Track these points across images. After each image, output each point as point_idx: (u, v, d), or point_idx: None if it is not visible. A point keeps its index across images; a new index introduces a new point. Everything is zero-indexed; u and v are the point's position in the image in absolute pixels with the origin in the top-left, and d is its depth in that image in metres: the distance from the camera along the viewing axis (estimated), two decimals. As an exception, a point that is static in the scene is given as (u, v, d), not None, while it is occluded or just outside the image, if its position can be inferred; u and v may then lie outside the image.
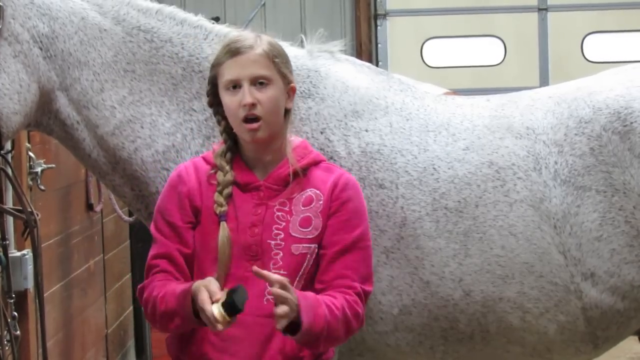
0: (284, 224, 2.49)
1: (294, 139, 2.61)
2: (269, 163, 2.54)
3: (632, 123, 2.78)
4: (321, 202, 2.51)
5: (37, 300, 3.09)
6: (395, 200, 2.76)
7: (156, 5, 2.86)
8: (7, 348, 2.95)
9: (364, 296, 2.51)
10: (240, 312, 2.32)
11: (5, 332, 2.95)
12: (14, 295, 3.02)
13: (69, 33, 2.73)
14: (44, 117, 2.76)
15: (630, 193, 2.76)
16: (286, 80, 2.54)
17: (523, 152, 2.81)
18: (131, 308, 5.68)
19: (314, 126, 2.78)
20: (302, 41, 2.93)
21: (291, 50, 2.74)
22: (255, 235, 2.48)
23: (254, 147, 2.53)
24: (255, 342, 2.48)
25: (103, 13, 2.78)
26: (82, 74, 2.74)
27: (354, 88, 2.86)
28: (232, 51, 2.49)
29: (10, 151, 3.10)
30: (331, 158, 2.74)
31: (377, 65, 7.41)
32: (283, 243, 2.47)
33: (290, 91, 2.56)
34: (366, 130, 2.81)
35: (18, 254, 3.39)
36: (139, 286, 2.56)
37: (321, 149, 2.74)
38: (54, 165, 3.79)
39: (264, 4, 8.29)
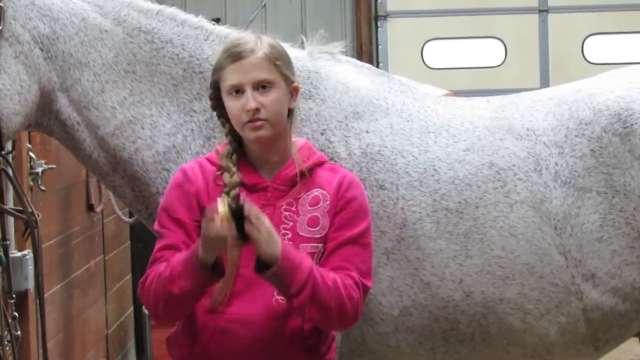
0: (291, 223, 2.50)
1: (297, 140, 2.62)
2: (275, 164, 2.54)
3: (632, 125, 2.78)
4: (328, 202, 2.52)
5: (37, 301, 3.09)
6: (396, 202, 2.76)
7: (157, 7, 2.86)
8: (7, 348, 2.95)
9: (363, 289, 2.50)
10: (242, 215, 2.29)
11: (6, 332, 2.95)
12: (14, 296, 3.03)
13: (69, 34, 2.73)
14: (45, 117, 2.77)
15: (631, 195, 2.76)
16: (288, 81, 2.54)
17: (523, 153, 2.81)
18: (132, 309, 5.68)
19: (314, 127, 2.79)
20: (302, 42, 2.93)
21: (292, 52, 2.74)
22: None
23: (259, 147, 2.53)
24: (262, 344, 2.48)
25: (104, 14, 2.78)
26: (83, 74, 2.74)
27: (354, 89, 2.86)
28: (234, 56, 2.49)
29: (11, 152, 3.11)
30: (332, 159, 2.74)
31: (377, 66, 7.42)
32: (291, 243, 2.48)
33: (293, 91, 2.56)
34: (367, 132, 2.81)
35: (19, 254, 3.40)
36: (140, 280, 2.52)
37: (322, 150, 2.74)
38: (54, 166, 3.80)
39: (264, 5, 8.30)
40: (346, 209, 2.52)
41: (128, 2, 2.83)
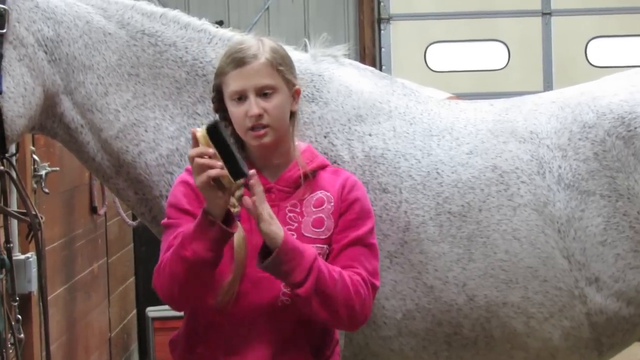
0: (296, 224, 2.50)
1: (299, 143, 2.62)
2: (278, 166, 2.54)
3: (636, 128, 2.78)
4: (332, 204, 2.52)
5: (40, 303, 3.09)
6: (399, 205, 2.76)
7: (160, 9, 2.86)
8: (11, 351, 2.95)
9: (372, 288, 2.48)
10: (220, 135, 2.30)
11: (9, 335, 2.95)
12: (17, 298, 3.03)
13: (73, 37, 2.74)
14: (49, 120, 2.77)
15: (634, 198, 2.76)
16: (290, 84, 2.54)
17: (527, 156, 2.81)
18: (135, 311, 5.69)
19: (317, 130, 2.79)
20: (305, 45, 2.93)
21: (295, 54, 2.74)
22: None
23: (262, 151, 2.53)
24: (266, 345, 2.48)
25: (107, 17, 2.79)
26: (87, 77, 2.74)
27: (357, 92, 2.86)
28: (236, 61, 2.48)
29: (15, 154, 3.11)
30: (335, 162, 2.74)
31: (380, 69, 7.42)
32: None
33: (295, 94, 2.56)
34: (370, 135, 2.81)
35: (22, 256, 3.40)
36: (155, 268, 2.45)
37: (325, 153, 2.74)
38: (58, 169, 3.80)
39: (267, 8, 8.30)
40: (350, 210, 2.53)
41: (132, 5, 2.83)
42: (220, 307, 2.46)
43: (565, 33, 8.09)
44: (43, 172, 3.63)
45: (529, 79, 7.98)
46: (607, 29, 8.10)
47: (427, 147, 2.82)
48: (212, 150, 2.31)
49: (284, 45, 2.63)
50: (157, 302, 5.06)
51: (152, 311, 5.51)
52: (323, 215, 2.51)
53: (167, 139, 2.78)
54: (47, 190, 3.59)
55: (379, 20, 8.17)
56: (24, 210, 3.02)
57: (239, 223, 2.43)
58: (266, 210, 2.36)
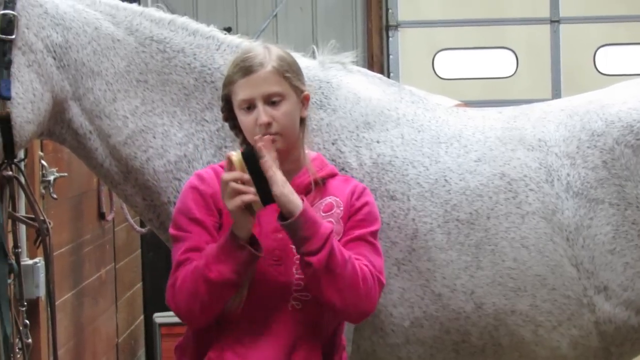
0: None
1: (309, 152, 2.62)
2: (288, 172, 2.54)
3: (645, 136, 2.77)
4: (341, 209, 2.53)
5: (48, 309, 3.10)
6: (407, 212, 2.75)
7: (169, 16, 2.87)
8: (18, 356, 2.95)
9: (378, 281, 2.47)
10: (255, 161, 2.35)
11: (17, 340, 2.95)
12: (25, 303, 3.04)
13: (82, 43, 2.74)
14: (57, 126, 2.78)
15: (643, 206, 2.75)
16: (299, 91, 2.54)
17: (535, 164, 2.80)
18: (142, 317, 5.69)
19: (325, 137, 2.79)
20: (313, 52, 2.93)
21: (303, 61, 2.75)
22: (278, 240, 2.48)
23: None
24: (277, 350, 2.47)
25: (116, 23, 2.79)
26: (95, 83, 2.75)
27: (365, 99, 2.86)
28: (243, 70, 2.49)
29: (23, 160, 3.12)
30: (342, 169, 2.75)
31: (388, 76, 7.41)
32: None
33: (304, 100, 2.56)
34: (378, 142, 2.81)
35: (30, 262, 3.41)
36: (168, 284, 2.46)
37: (333, 160, 2.74)
38: (66, 174, 3.81)
39: (275, 15, 8.31)
40: (357, 214, 2.54)
41: (140, 11, 2.84)
42: (229, 312, 2.46)
43: (573, 41, 8.08)
44: (51, 178, 3.64)
45: (537, 87, 7.96)
46: (616, 36, 8.07)
47: (435, 155, 2.82)
48: (247, 176, 2.37)
49: (291, 52, 2.63)
50: (164, 308, 5.04)
51: (160, 317, 5.52)
52: (332, 220, 2.51)
53: (175, 146, 2.78)
54: (55, 196, 3.60)
55: (387, 28, 8.16)
56: (32, 216, 3.02)
57: None
58: (279, 174, 2.38)
